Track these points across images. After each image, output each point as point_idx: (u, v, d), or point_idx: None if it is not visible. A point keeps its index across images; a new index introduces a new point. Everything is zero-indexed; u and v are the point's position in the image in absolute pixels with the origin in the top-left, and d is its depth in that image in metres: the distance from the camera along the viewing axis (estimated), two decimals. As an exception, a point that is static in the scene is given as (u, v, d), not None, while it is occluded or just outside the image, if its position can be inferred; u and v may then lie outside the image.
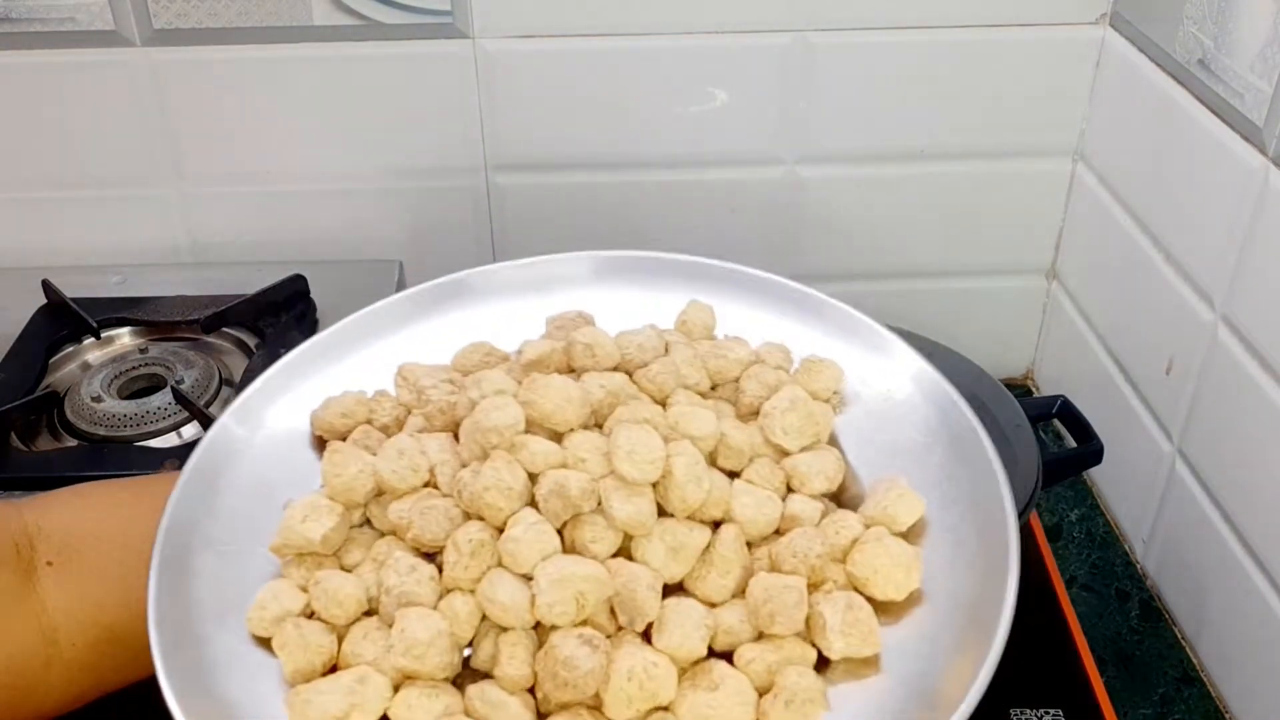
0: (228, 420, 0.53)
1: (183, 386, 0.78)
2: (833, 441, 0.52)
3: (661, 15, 0.86)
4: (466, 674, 0.45)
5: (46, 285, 0.87)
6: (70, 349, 0.85)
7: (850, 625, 0.44)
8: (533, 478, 0.46)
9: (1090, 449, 0.78)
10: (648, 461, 0.45)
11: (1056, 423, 0.85)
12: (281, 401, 0.54)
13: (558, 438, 0.48)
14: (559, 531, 0.45)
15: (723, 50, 0.87)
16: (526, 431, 0.47)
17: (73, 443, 0.76)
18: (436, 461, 0.49)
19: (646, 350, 0.52)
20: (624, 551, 0.46)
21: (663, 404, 0.51)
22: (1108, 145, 0.89)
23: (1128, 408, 0.85)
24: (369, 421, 0.53)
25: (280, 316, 0.86)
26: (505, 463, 0.46)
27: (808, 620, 0.45)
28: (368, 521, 0.50)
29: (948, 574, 0.46)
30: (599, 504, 0.46)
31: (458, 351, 0.55)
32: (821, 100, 0.89)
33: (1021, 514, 0.69)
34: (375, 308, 0.58)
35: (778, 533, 0.48)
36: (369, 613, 0.46)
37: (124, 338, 0.86)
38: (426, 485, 0.49)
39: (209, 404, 0.78)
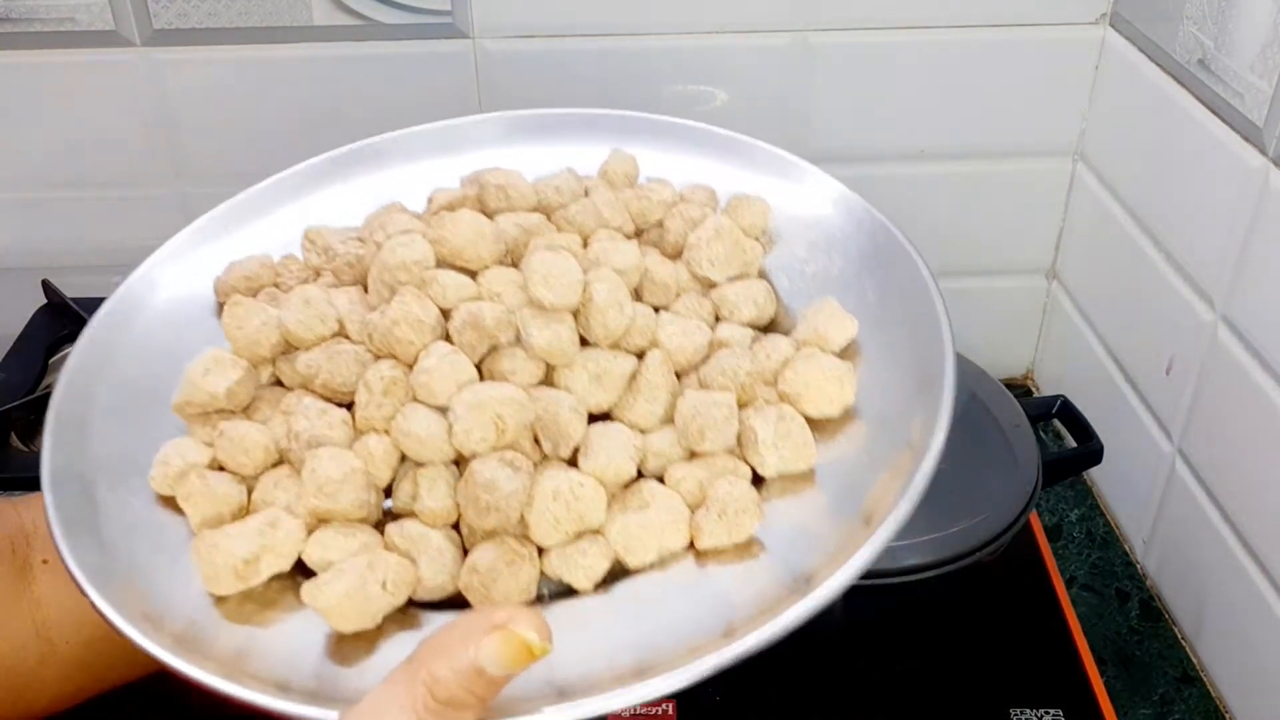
0: (127, 288, 0.50)
1: (183, 386, 0.78)
2: (762, 276, 0.50)
3: (661, 15, 0.86)
4: (388, 520, 0.42)
5: (46, 285, 0.87)
6: (70, 349, 0.84)
7: (783, 438, 0.42)
8: (445, 315, 0.44)
9: (1090, 449, 0.78)
10: (565, 285, 0.43)
11: (1056, 423, 0.85)
12: (184, 268, 0.51)
13: (471, 276, 0.45)
14: (477, 367, 0.43)
15: (723, 50, 0.87)
16: (440, 267, 0.45)
17: (73, 443, 0.76)
18: (345, 312, 0.46)
19: (564, 193, 0.50)
20: (546, 384, 0.44)
21: (584, 244, 0.49)
22: (1108, 145, 0.89)
23: (1128, 408, 0.85)
24: (275, 285, 0.50)
25: (280, 316, 0.86)
26: (414, 296, 0.43)
27: (739, 437, 0.43)
28: (278, 382, 0.47)
29: (881, 393, 0.44)
30: (517, 336, 0.43)
31: (369, 214, 0.52)
32: (821, 100, 0.89)
33: (1021, 514, 0.69)
34: (282, 175, 0.55)
35: (706, 361, 0.46)
36: (279, 465, 0.43)
37: (124, 338, 0.86)
38: (337, 336, 0.46)
39: (209, 404, 0.78)
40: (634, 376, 0.44)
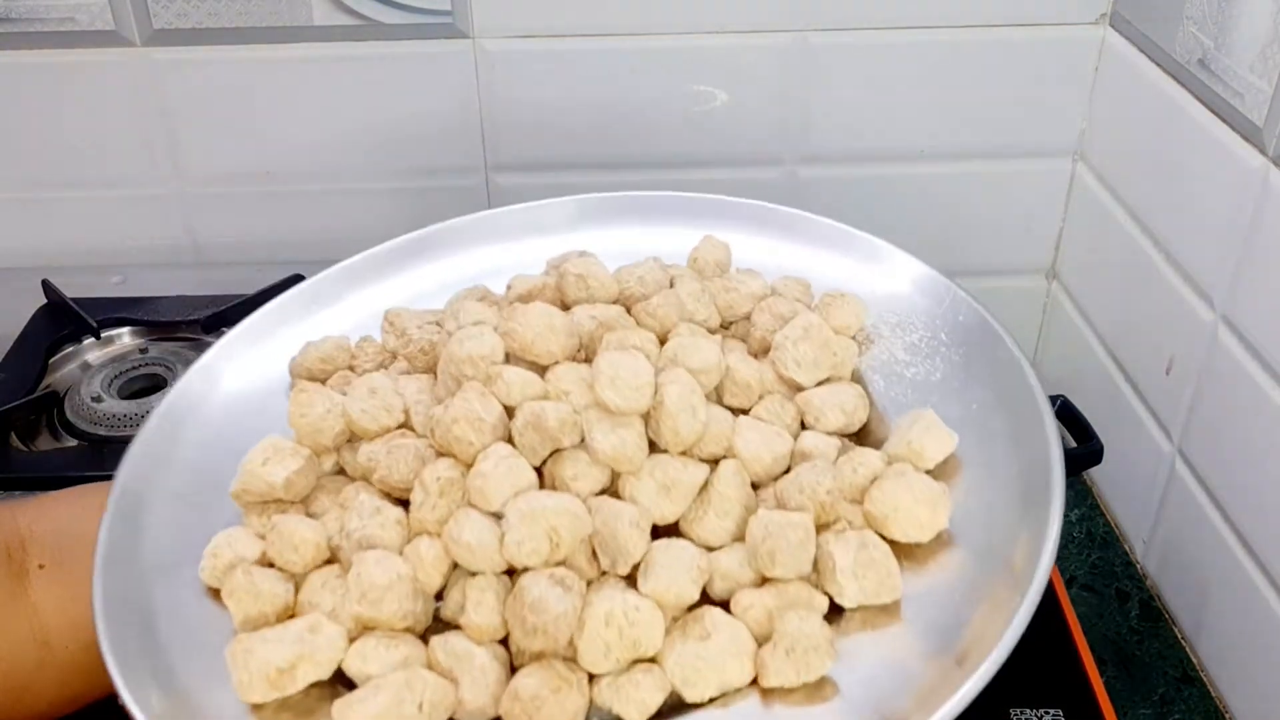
0: (194, 373, 0.48)
1: (183, 386, 0.78)
2: (856, 379, 0.47)
3: (661, 15, 0.86)
4: (438, 628, 0.40)
5: (46, 285, 0.87)
6: (70, 349, 0.85)
7: (864, 567, 0.38)
8: (510, 413, 0.41)
9: (1090, 449, 0.77)
10: (632, 388, 0.40)
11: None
12: (258, 351, 0.50)
13: (541, 372, 0.43)
14: (539, 470, 0.41)
15: (723, 50, 0.87)
16: (510, 362, 0.43)
17: (73, 443, 0.76)
18: (412, 402, 0.44)
19: (648, 283, 0.47)
20: (612, 492, 0.41)
21: (663, 340, 0.45)
22: (1108, 145, 0.89)
23: (1128, 408, 0.85)
24: (350, 368, 0.48)
25: (280, 316, 0.86)
26: (477, 393, 0.41)
27: (816, 564, 0.39)
28: (341, 470, 0.45)
29: (982, 517, 0.41)
30: (582, 439, 0.41)
31: (452, 296, 0.50)
32: (821, 100, 0.89)
33: (1022, 514, 0.69)
34: (364, 254, 0.53)
35: (787, 473, 0.42)
36: (330, 562, 0.41)
37: (124, 338, 0.86)
38: (402, 427, 0.44)
39: (209, 404, 0.78)
40: (705, 487, 0.41)
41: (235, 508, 0.43)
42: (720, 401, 0.44)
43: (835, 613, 0.39)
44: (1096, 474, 0.92)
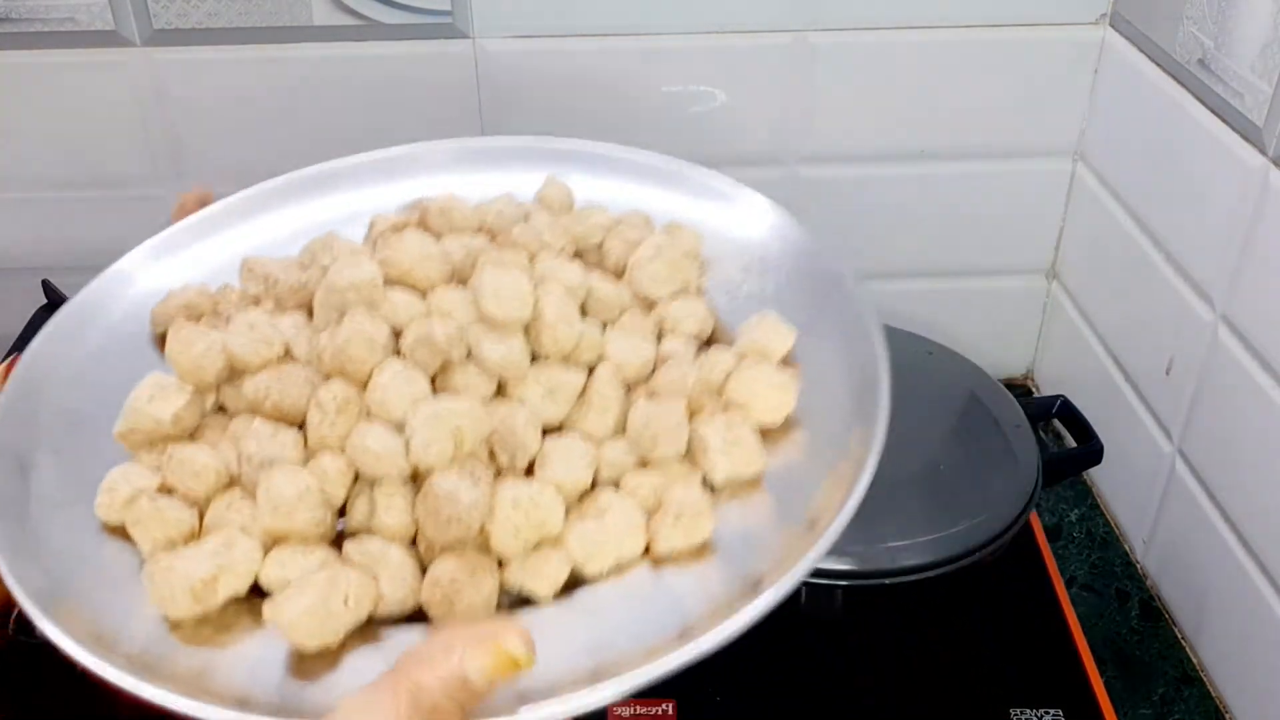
0: (60, 319, 0.49)
1: (183, 386, 0.78)
2: (702, 295, 0.52)
3: (661, 15, 0.86)
4: (342, 540, 0.42)
5: (46, 285, 0.87)
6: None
7: (732, 444, 0.43)
8: (396, 335, 0.44)
9: (1090, 449, 0.78)
10: (516, 300, 0.44)
11: (1056, 423, 0.85)
12: (118, 303, 0.51)
13: (421, 295, 0.46)
14: (432, 383, 0.43)
15: (723, 50, 0.87)
16: (388, 286, 0.45)
17: (73, 443, 0.76)
18: (291, 336, 0.45)
19: (505, 216, 0.50)
20: (499, 399, 0.44)
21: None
22: (1108, 145, 0.89)
23: (1128, 408, 0.85)
24: (215, 313, 0.49)
25: (280, 316, 0.86)
26: (366, 315, 0.43)
27: (689, 445, 0.44)
28: (221, 409, 0.46)
29: (820, 403, 0.46)
30: (469, 353, 0.44)
31: (307, 244, 0.52)
32: (821, 100, 0.89)
33: (1021, 514, 0.69)
34: (218, 205, 0.54)
35: (652, 374, 0.47)
36: (229, 488, 0.43)
37: (124, 338, 0.86)
38: (283, 360, 0.45)
39: (209, 404, 0.78)
40: (585, 390, 0.45)
41: (115, 450, 0.44)
42: (586, 315, 0.48)
43: (706, 489, 0.44)
44: (1096, 474, 0.93)
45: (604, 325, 0.48)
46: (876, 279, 0.99)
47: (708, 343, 0.50)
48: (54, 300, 0.86)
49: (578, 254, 0.52)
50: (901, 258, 0.98)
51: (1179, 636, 0.80)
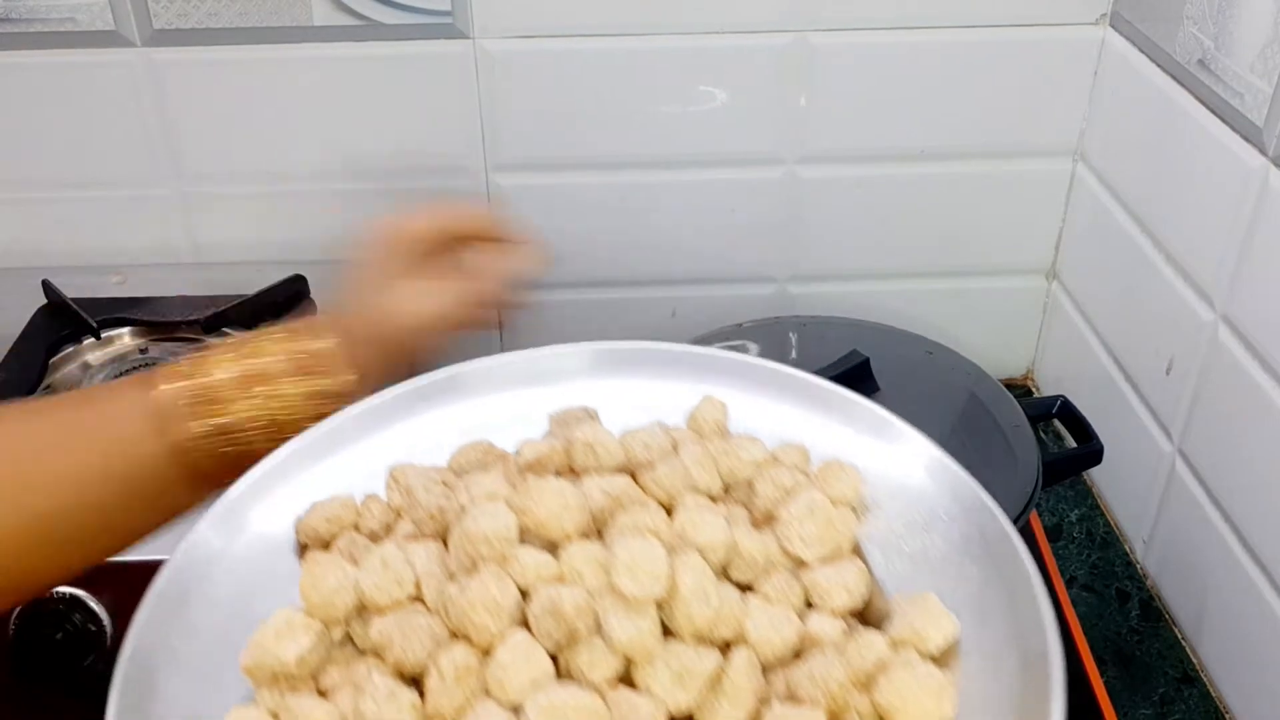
0: (204, 527, 0.48)
1: (183, 386, 0.78)
2: (855, 552, 0.48)
3: (661, 15, 0.86)
4: None
5: (46, 285, 0.87)
6: (70, 349, 0.85)
7: None
8: (525, 593, 0.43)
9: (1090, 449, 0.78)
10: (650, 577, 0.41)
11: (1056, 423, 0.85)
12: (266, 505, 0.50)
13: (554, 547, 0.44)
14: (553, 656, 0.42)
15: (723, 50, 0.87)
16: (520, 540, 0.44)
17: (73, 443, 0.76)
18: (423, 573, 0.45)
19: (653, 449, 0.48)
20: (626, 677, 0.42)
21: (670, 509, 0.47)
22: (1108, 145, 0.89)
23: (1128, 408, 0.85)
24: (356, 527, 0.49)
25: (280, 316, 0.87)
26: (494, 576, 0.42)
27: None
28: (350, 639, 0.46)
29: (982, 699, 0.42)
30: (597, 623, 0.42)
31: (455, 450, 0.52)
32: (821, 100, 0.89)
33: (1021, 514, 0.69)
34: (368, 403, 0.54)
35: (796, 655, 0.44)
36: None
37: (124, 338, 0.86)
38: (413, 599, 0.45)
39: (209, 404, 0.78)
40: (718, 675, 0.42)
41: (243, 678, 0.44)
42: (727, 575, 0.45)
43: None
44: (1096, 474, 0.92)
45: (746, 586, 0.45)
46: (877, 279, 0.99)
47: (860, 611, 0.46)
48: (54, 300, 0.86)
49: (726, 489, 0.50)
50: (901, 258, 0.98)
51: (1179, 636, 0.80)
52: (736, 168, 0.93)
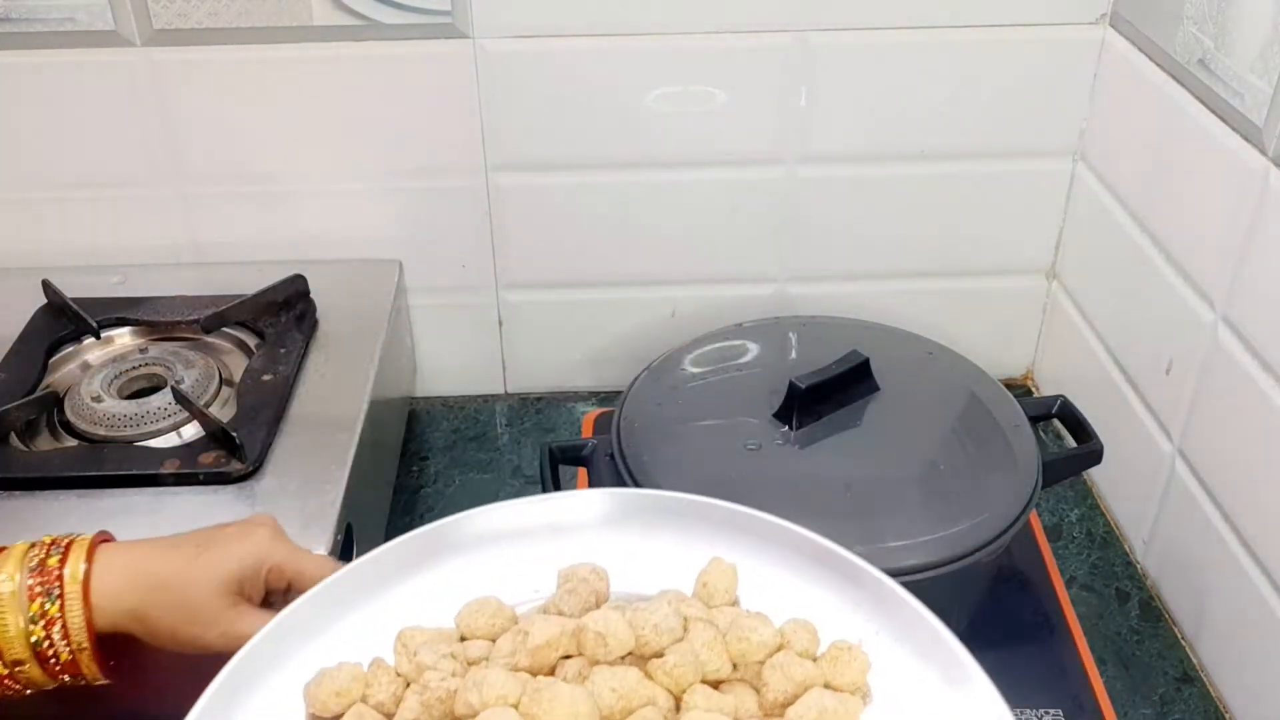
0: (213, 694, 0.48)
1: (183, 386, 0.78)
2: None
3: (661, 15, 0.86)
4: None
5: (46, 285, 0.87)
6: (70, 349, 0.85)
7: None
8: None
9: (1090, 449, 0.78)
10: None
11: (1056, 423, 0.85)
12: (275, 671, 0.50)
13: None
14: None
15: (723, 50, 0.87)
16: None
17: (73, 443, 0.76)
18: None
19: (663, 633, 0.49)
20: None
21: (679, 696, 0.49)
22: (1108, 145, 0.89)
23: (1128, 408, 0.85)
24: (364, 698, 0.50)
25: (280, 316, 0.87)
26: None
27: None
28: None
29: None
30: None
31: (461, 610, 0.52)
32: (821, 100, 0.89)
33: (1021, 514, 0.69)
34: (373, 555, 0.54)
35: None
36: None
37: (124, 338, 0.86)
38: None
39: (209, 404, 0.78)
40: None
41: None
42: None
43: None
44: (1096, 474, 0.93)
45: None
46: (877, 279, 0.99)
47: None
48: (54, 300, 0.86)
49: (735, 667, 0.51)
50: (901, 258, 0.98)
51: (1179, 636, 0.80)
52: (736, 168, 0.93)
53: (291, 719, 0.49)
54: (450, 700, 0.48)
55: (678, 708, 0.48)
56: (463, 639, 0.52)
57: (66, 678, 0.54)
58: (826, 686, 0.49)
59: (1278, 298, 0.68)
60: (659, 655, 0.49)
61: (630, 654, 0.49)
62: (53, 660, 0.53)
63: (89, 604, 0.53)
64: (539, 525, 0.56)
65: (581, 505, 0.57)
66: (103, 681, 0.55)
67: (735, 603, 0.53)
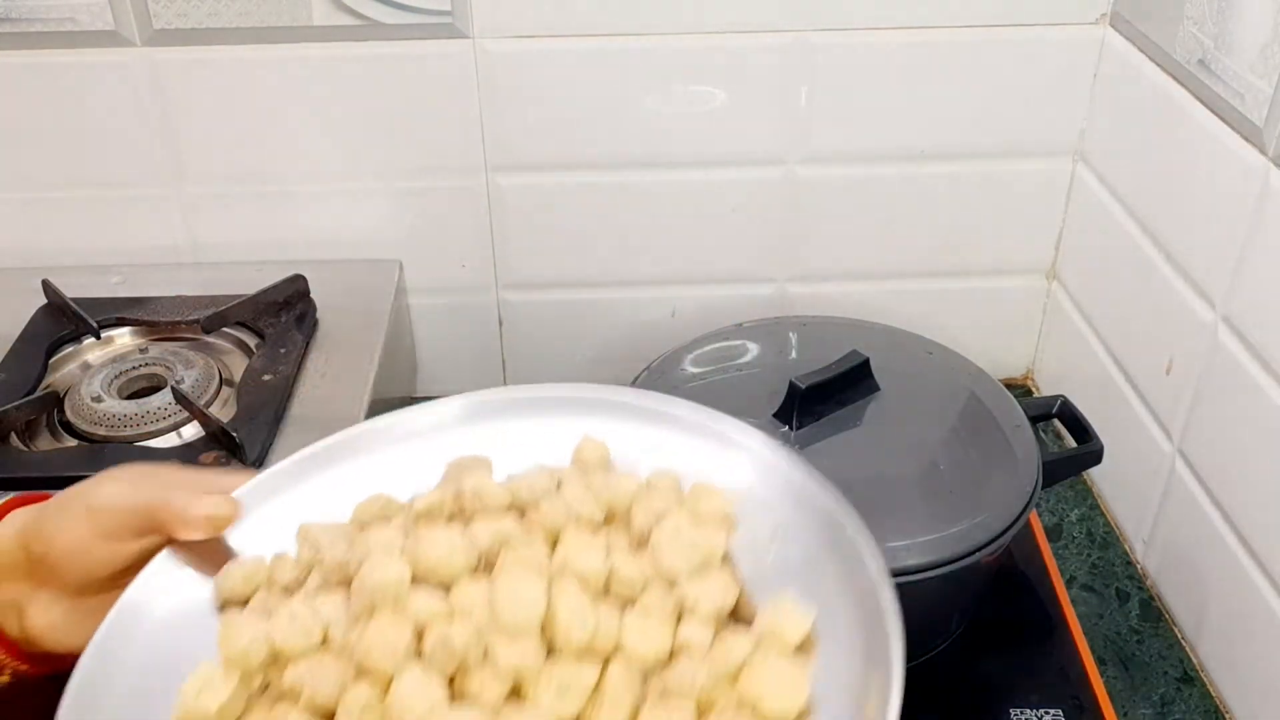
0: (133, 592, 0.52)
1: (183, 386, 0.78)
2: (727, 563, 0.54)
3: (661, 15, 0.86)
4: None
5: (46, 285, 0.87)
6: (70, 349, 0.85)
7: None
8: (419, 632, 0.47)
9: (1090, 449, 0.78)
10: (526, 607, 0.47)
11: (1056, 423, 0.85)
12: (187, 570, 0.54)
13: (448, 588, 0.49)
14: (452, 680, 0.47)
15: (723, 50, 0.87)
16: (416, 582, 0.49)
17: (73, 443, 0.76)
18: (331, 620, 0.50)
19: (537, 490, 0.54)
20: (516, 689, 0.47)
21: (555, 541, 0.52)
22: (1108, 145, 0.89)
23: (1128, 408, 0.85)
24: (270, 583, 0.53)
25: (280, 316, 0.87)
26: (389, 621, 0.47)
27: None
28: (266, 687, 0.50)
29: (836, 681, 0.48)
30: (485, 654, 0.47)
31: (358, 505, 0.56)
32: (821, 100, 0.89)
33: (1021, 514, 0.69)
34: (275, 468, 0.58)
35: (670, 660, 0.50)
36: None
37: (124, 338, 0.86)
38: (323, 645, 0.49)
39: (209, 404, 0.78)
40: (598, 684, 0.47)
41: None
42: (608, 592, 0.51)
43: None
44: (1096, 474, 0.93)
45: (625, 603, 0.51)
46: (877, 279, 0.99)
47: (732, 613, 0.52)
48: (54, 300, 0.86)
49: (609, 517, 0.55)
50: (901, 258, 0.98)
51: (1179, 636, 0.80)
52: (736, 168, 0.93)
53: (205, 614, 0.53)
54: (345, 568, 0.51)
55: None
56: (360, 530, 0.55)
57: None
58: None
59: (1278, 298, 0.68)
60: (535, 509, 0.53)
61: (509, 509, 0.53)
62: None
63: None
64: (422, 430, 0.60)
65: (458, 408, 0.61)
66: (23, 669, 0.55)
67: (608, 469, 0.58)
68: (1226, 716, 0.75)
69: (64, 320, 0.85)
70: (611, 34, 0.86)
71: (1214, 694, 0.76)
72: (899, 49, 0.88)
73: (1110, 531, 0.89)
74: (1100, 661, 0.76)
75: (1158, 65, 0.79)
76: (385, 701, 0.46)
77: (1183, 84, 0.76)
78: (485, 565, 0.51)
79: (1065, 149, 0.93)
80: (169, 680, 0.49)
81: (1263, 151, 0.68)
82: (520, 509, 0.54)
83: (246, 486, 0.56)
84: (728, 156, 0.92)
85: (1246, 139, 0.69)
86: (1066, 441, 0.84)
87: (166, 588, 0.53)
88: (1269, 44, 0.67)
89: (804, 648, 0.49)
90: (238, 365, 0.83)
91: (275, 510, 0.57)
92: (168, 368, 0.81)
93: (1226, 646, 0.75)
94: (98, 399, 0.78)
